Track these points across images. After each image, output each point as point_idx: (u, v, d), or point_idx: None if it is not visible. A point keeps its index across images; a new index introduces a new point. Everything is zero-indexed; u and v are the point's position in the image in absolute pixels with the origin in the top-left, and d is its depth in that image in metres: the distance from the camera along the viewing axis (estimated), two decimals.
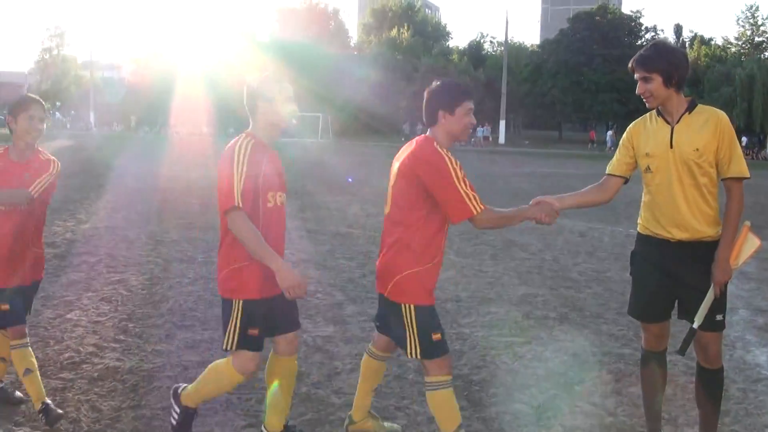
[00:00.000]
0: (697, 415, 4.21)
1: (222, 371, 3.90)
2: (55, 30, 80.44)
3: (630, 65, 3.94)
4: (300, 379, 5.15)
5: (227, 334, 3.79)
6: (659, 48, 3.86)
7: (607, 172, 4.17)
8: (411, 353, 3.77)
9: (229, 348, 3.81)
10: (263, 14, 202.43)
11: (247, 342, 3.79)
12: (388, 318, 3.92)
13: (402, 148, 4.00)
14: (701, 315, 3.80)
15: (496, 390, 5.08)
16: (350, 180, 20.80)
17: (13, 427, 4.30)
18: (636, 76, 3.89)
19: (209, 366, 4.01)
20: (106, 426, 4.34)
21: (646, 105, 3.94)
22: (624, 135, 4.13)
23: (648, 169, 3.94)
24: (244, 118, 4.03)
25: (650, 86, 3.82)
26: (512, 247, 10.75)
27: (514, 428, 4.51)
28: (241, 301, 3.77)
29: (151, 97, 67.72)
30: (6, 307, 4.32)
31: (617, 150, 4.15)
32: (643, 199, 4.07)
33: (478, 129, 65.72)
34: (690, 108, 3.86)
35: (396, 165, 3.92)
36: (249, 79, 4.03)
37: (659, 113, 3.94)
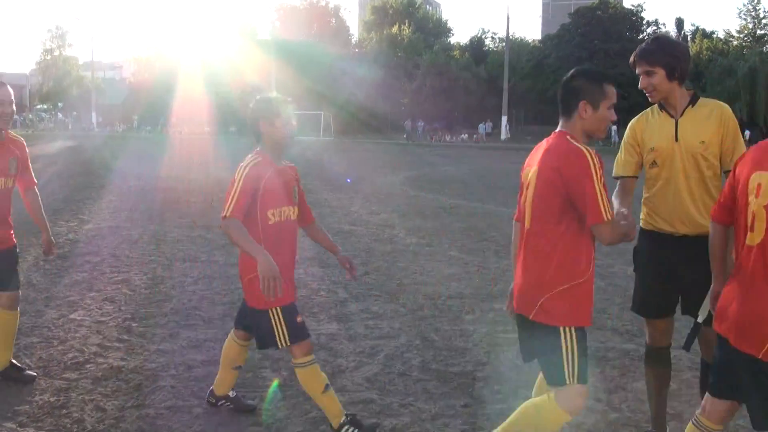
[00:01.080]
0: None
1: None
2: (56, 31, 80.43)
3: (631, 60, 3.90)
4: None
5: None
6: (661, 42, 3.84)
7: (620, 175, 4.09)
8: (568, 378, 3.33)
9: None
10: (264, 12, 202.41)
11: None
12: (533, 342, 3.48)
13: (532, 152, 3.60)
14: (705, 309, 3.78)
15: (500, 386, 5.07)
16: (349, 181, 20.80)
17: (18, 428, 4.30)
18: (638, 70, 3.87)
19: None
20: (110, 426, 4.34)
21: (649, 99, 3.92)
22: (627, 133, 4.09)
23: (654, 163, 3.91)
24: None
25: (653, 80, 3.80)
26: None
27: None
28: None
29: (152, 96, 67.81)
30: None
31: (622, 150, 4.10)
32: (644, 195, 4.04)
33: (480, 125, 65.82)
34: (693, 101, 3.85)
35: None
36: (250, 101, 4.27)
37: (661, 107, 3.92)
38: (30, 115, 71.27)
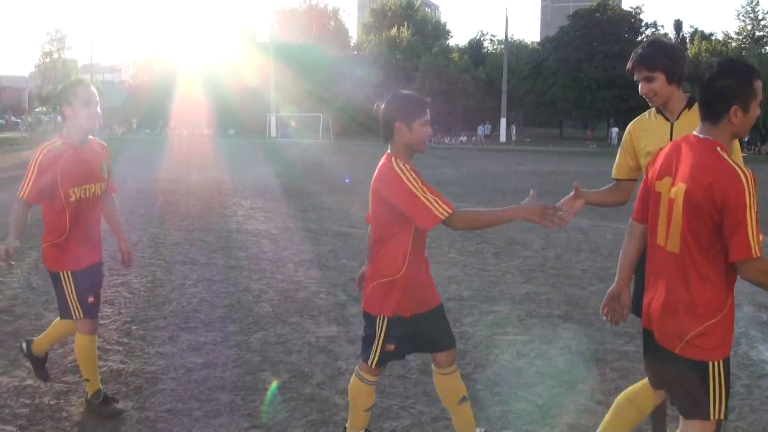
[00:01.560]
0: None
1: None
2: (55, 33, 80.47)
3: (629, 66, 3.87)
4: (304, 380, 5.17)
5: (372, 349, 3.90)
6: (658, 45, 3.81)
7: (614, 177, 4.15)
8: (714, 413, 3.14)
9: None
10: (263, 15, 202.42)
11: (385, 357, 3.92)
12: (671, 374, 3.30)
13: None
14: None
15: (500, 389, 5.08)
16: (348, 181, 20.81)
17: (18, 431, 4.30)
18: (636, 76, 3.84)
19: None
20: (111, 429, 4.35)
21: (650, 104, 3.92)
22: (624, 136, 4.11)
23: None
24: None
25: (654, 85, 3.77)
26: (514, 245, 10.74)
27: (519, 427, 4.51)
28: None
29: (151, 99, 67.84)
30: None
31: (619, 153, 4.13)
32: None
33: (479, 127, 65.87)
34: (689, 104, 3.84)
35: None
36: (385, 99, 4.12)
37: (659, 110, 3.93)
38: (29, 118, 71.32)
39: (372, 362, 3.88)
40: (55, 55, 79.92)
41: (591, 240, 11.39)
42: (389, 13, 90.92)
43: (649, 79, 3.78)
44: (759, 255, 2.94)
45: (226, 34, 77.75)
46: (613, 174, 4.16)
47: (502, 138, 63.54)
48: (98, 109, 4.51)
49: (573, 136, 75.96)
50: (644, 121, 4.01)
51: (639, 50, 3.85)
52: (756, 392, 5.11)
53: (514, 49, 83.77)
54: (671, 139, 3.82)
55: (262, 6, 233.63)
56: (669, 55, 3.76)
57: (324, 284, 8.15)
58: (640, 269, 4.15)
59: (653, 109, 3.96)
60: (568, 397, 4.95)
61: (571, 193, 4.03)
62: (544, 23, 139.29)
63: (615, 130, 62.52)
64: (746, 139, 57.79)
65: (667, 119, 3.87)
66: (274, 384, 5.10)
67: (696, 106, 3.80)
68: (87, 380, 4.57)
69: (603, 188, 4.23)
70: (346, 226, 12.56)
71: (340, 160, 32.66)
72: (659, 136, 3.86)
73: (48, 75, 77.84)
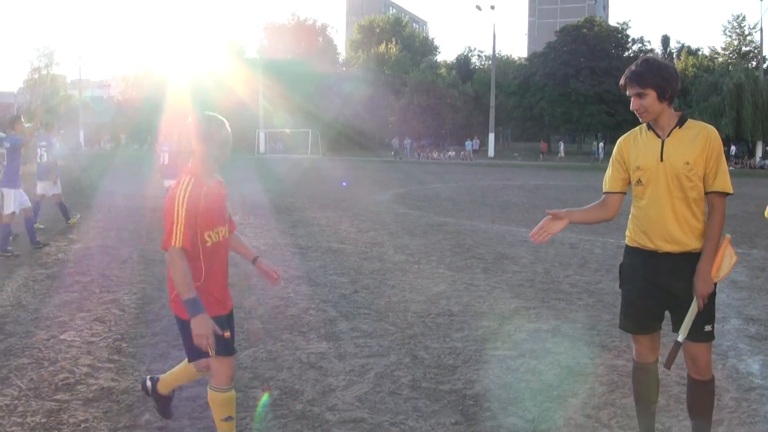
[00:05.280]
0: (690, 425, 4.24)
1: None
2: (44, 49, 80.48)
3: (622, 82, 3.96)
4: (294, 397, 5.18)
5: None
6: (651, 64, 3.88)
7: (604, 191, 4.19)
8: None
9: None
10: (251, 31, 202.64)
11: None
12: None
13: None
14: (686, 328, 3.84)
15: (490, 404, 5.10)
16: (345, 184, 20.83)
17: None
18: (629, 92, 3.93)
19: None
20: None
21: (640, 120, 3.99)
22: (614, 151, 4.16)
23: (639, 182, 3.98)
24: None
25: (645, 102, 3.86)
26: (504, 260, 10.78)
27: None
28: None
29: (140, 115, 67.82)
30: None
31: (609, 167, 4.18)
32: (631, 212, 4.11)
33: (467, 142, 66.10)
34: (680, 122, 3.91)
35: None
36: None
37: (649, 127, 3.99)
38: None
39: None
40: (44, 71, 79.94)
41: (579, 254, 11.44)
42: (377, 30, 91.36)
43: (640, 96, 3.87)
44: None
45: (215, 50, 77.89)
46: (604, 188, 4.19)
47: (491, 153, 63.80)
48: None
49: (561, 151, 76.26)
50: (635, 137, 4.07)
51: (632, 67, 3.94)
52: (744, 405, 5.14)
53: (502, 64, 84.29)
54: (661, 156, 3.88)
55: (251, 22, 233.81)
56: (661, 74, 3.84)
57: (314, 300, 8.16)
58: (624, 285, 4.20)
59: (644, 126, 4.03)
60: (558, 412, 4.98)
61: (547, 218, 4.11)
62: (532, 39, 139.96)
63: (601, 144, 63.18)
64: (733, 153, 58.27)
65: (658, 136, 3.94)
66: (265, 396, 5.11)
67: (687, 125, 3.90)
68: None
69: (588, 206, 4.26)
70: (336, 242, 12.58)
71: (330, 176, 32.69)
72: (650, 153, 3.93)
73: (36, 91, 77.78)
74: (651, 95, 3.84)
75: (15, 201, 11.27)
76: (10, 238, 11.17)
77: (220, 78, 65.59)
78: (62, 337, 6.56)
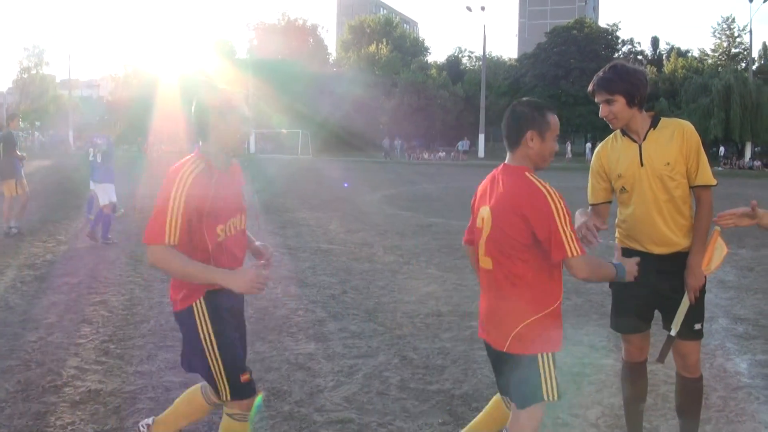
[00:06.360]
0: (678, 424, 4.26)
1: None
2: (33, 49, 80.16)
3: (590, 89, 3.92)
4: (282, 398, 5.17)
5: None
6: (619, 70, 3.84)
7: (590, 203, 4.17)
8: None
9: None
10: (242, 31, 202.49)
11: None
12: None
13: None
14: (678, 322, 3.85)
15: (478, 404, 5.09)
16: (346, 185, 20.80)
17: None
18: (597, 99, 3.89)
19: None
20: None
21: (611, 127, 3.96)
22: (593, 161, 4.14)
23: (623, 189, 3.96)
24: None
25: (614, 108, 3.83)
26: None
27: None
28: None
29: (129, 115, 67.58)
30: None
31: (590, 178, 4.15)
32: (618, 217, 4.10)
33: (458, 143, 66.20)
34: (654, 123, 3.90)
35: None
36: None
37: (624, 132, 3.97)
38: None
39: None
40: (33, 71, 79.59)
41: None
42: (368, 30, 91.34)
43: (609, 102, 3.84)
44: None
45: (204, 50, 77.75)
46: (590, 200, 4.18)
47: (481, 153, 63.86)
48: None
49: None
50: (611, 144, 4.06)
51: (600, 74, 3.90)
52: (731, 404, 5.16)
53: (492, 65, 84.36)
54: (641, 161, 3.87)
55: (241, 22, 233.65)
56: (629, 80, 3.80)
57: (303, 301, 8.15)
58: (613, 285, 4.20)
59: (618, 132, 4.01)
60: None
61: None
62: (522, 40, 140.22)
63: (588, 145, 63.48)
64: (722, 154, 58.51)
65: (634, 141, 3.92)
66: (259, 397, 5.10)
67: (661, 125, 3.88)
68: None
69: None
70: (325, 243, 12.57)
71: (320, 177, 32.67)
72: (629, 159, 3.91)
73: (26, 90, 77.47)
74: (620, 101, 3.81)
75: (107, 194, 12.51)
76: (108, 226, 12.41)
77: (210, 78, 65.43)
78: (50, 338, 6.53)
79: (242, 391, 3.55)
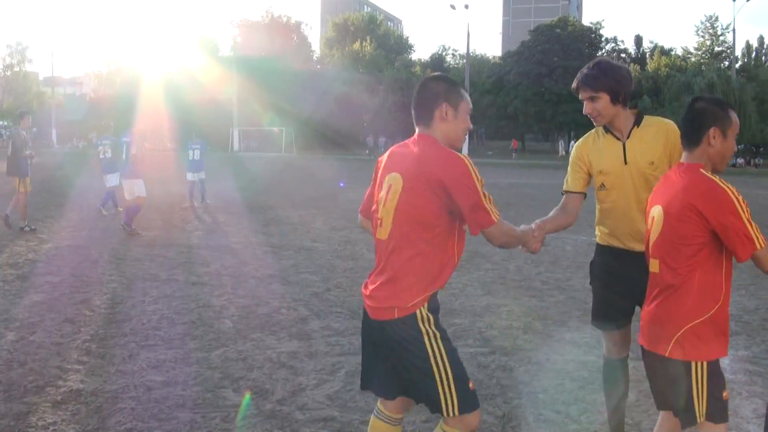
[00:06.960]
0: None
1: None
2: (16, 46, 79.55)
3: (574, 86, 3.91)
4: (264, 396, 5.15)
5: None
6: (603, 67, 3.84)
7: (564, 189, 4.12)
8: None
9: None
10: (225, 28, 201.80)
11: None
12: None
13: None
14: None
15: None
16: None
17: None
18: (581, 96, 3.88)
19: None
20: None
21: (594, 124, 3.95)
22: (573, 153, 4.12)
23: (602, 186, 3.95)
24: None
25: (598, 105, 3.82)
26: (476, 258, 10.79)
27: None
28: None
29: (113, 113, 67.23)
30: None
31: (569, 167, 4.12)
32: (597, 214, 4.10)
33: None
34: (638, 121, 3.89)
35: None
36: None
37: (606, 130, 3.95)
38: None
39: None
40: (16, 68, 78.99)
41: (551, 252, 11.50)
42: (352, 28, 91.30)
43: (593, 99, 3.82)
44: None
45: (188, 47, 77.47)
46: (565, 186, 4.12)
47: (465, 151, 63.93)
48: None
49: (534, 149, 76.74)
50: (593, 140, 4.04)
51: (584, 71, 3.88)
52: None
53: (476, 63, 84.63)
54: (625, 158, 3.86)
55: (225, 19, 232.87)
56: (613, 77, 3.80)
57: (286, 299, 8.14)
58: (594, 282, 4.22)
59: (600, 129, 3.99)
60: (529, 408, 5.00)
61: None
62: (506, 38, 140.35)
63: (572, 143, 63.68)
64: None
65: (618, 138, 3.91)
66: (247, 397, 5.09)
67: (644, 123, 3.87)
68: None
69: (552, 213, 4.10)
70: (309, 241, 12.56)
71: (304, 175, 32.62)
72: (612, 157, 3.90)
73: (8, 88, 76.89)
74: (604, 99, 3.79)
75: (136, 189, 13.20)
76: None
77: (194, 75, 65.19)
78: (32, 338, 6.48)
79: (471, 401, 3.22)
